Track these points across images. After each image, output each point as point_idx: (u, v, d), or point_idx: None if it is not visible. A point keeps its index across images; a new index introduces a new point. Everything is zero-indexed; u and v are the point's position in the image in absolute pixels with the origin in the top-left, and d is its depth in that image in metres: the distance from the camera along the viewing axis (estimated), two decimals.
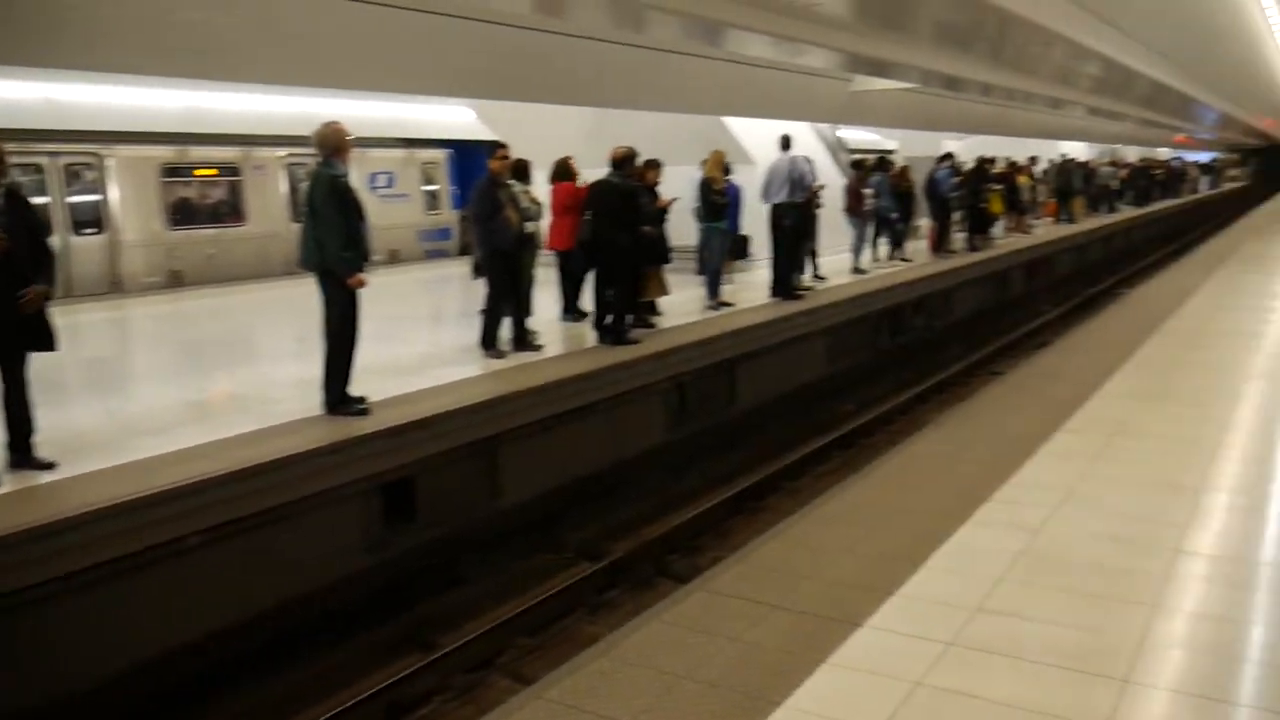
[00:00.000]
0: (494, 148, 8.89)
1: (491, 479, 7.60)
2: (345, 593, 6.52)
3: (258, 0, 6.94)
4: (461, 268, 12.28)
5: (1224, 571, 4.31)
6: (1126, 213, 28.29)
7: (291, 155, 15.00)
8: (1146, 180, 32.00)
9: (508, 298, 8.72)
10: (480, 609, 6.76)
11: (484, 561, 7.33)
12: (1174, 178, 36.79)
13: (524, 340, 8.84)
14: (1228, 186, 50.22)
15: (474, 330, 8.74)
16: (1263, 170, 59.62)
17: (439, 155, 17.96)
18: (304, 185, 14.82)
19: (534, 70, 10.06)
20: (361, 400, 6.78)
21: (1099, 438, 6.27)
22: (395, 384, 7.45)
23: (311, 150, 6.54)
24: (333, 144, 6.22)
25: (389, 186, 16.87)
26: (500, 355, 8.56)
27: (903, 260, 15.48)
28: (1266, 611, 3.96)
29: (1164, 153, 41.62)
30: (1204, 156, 49.69)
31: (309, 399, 6.75)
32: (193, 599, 5.60)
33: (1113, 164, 30.16)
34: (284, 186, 15.19)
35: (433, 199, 17.91)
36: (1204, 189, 43.27)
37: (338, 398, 6.62)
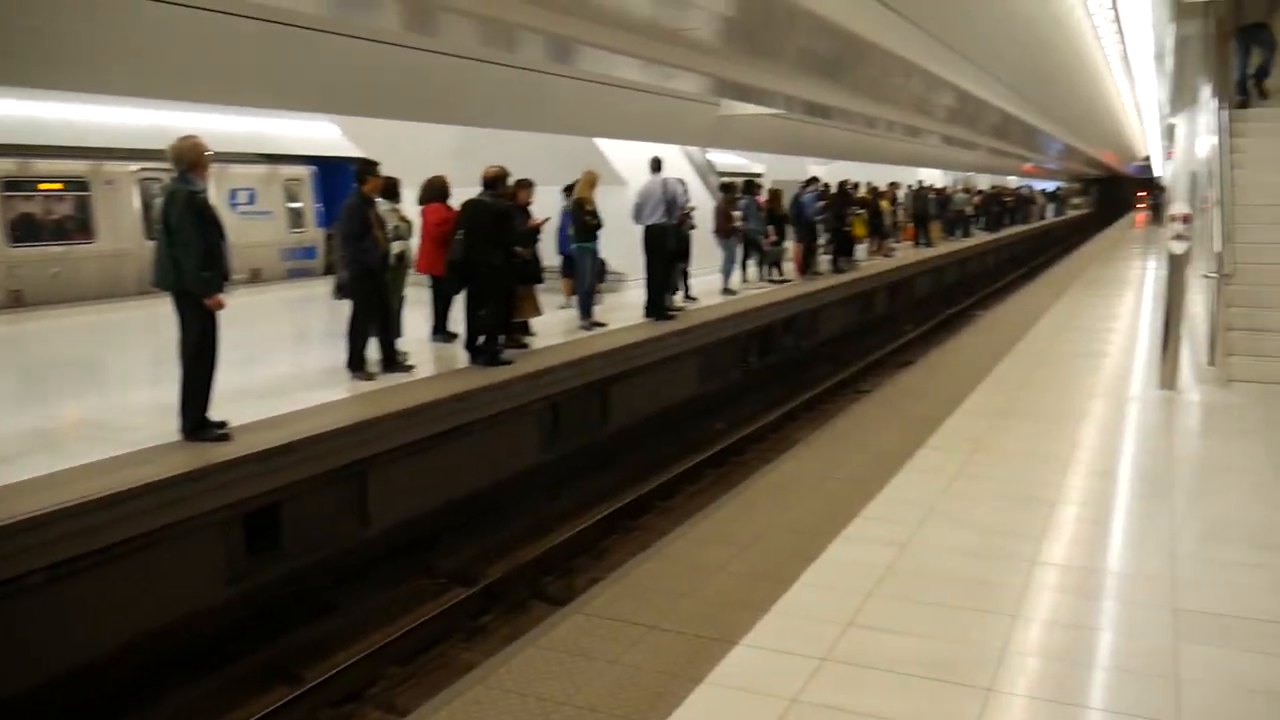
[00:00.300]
0: (363, 165, 8.71)
1: (360, 505, 7.42)
2: (206, 626, 6.24)
3: (109, 8, 6.61)
4: (326, 287, 11.95)
5: (1074, 581, 4.51)
6: (980, 237, 29.62)
7: (145, 170, 14.34)
8: (998, 207, 33.60)
9: (374, 318, 8.53)
10: (350, 638, 6.56)
11: (354, 590, 7.12)
12: (1022, 204, 38.76)
13: (393, 361, 8.66)
14: (1072, 214, 53.16)
15: (341, 352, 8.52)
16: (1102, 199, 63.41)
17: (303, 172, 17.49)
18: (158, 201, 14.30)
19: (401, 87, 9.89)
20: (222, 425, 6.52)
21: (959, 454, 6.51)
22: (259, 408, 7.20)
23: (167, 165, 6.27)
24: (190, 159, 5.98)
25: (250, 203, 16.31)
26: (369, 377, 8.36)
27: (777, 281, 15.81)
28: (1113, 618, 4.16)
29: (1013, 181, 43.76)
30: (1050, 185, 52.46)
31: (165, 425, 6.46)
32: (36, 641, 5.26)
33: (965, 190, 31.55)
34: (137, 202, 14.49)
35: (296, 217, 17.42)
36: (1050, 216, 45.68)
37: (196, 423, 6.35)
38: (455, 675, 6.07)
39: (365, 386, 8.15)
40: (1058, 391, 8.70)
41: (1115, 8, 16.45)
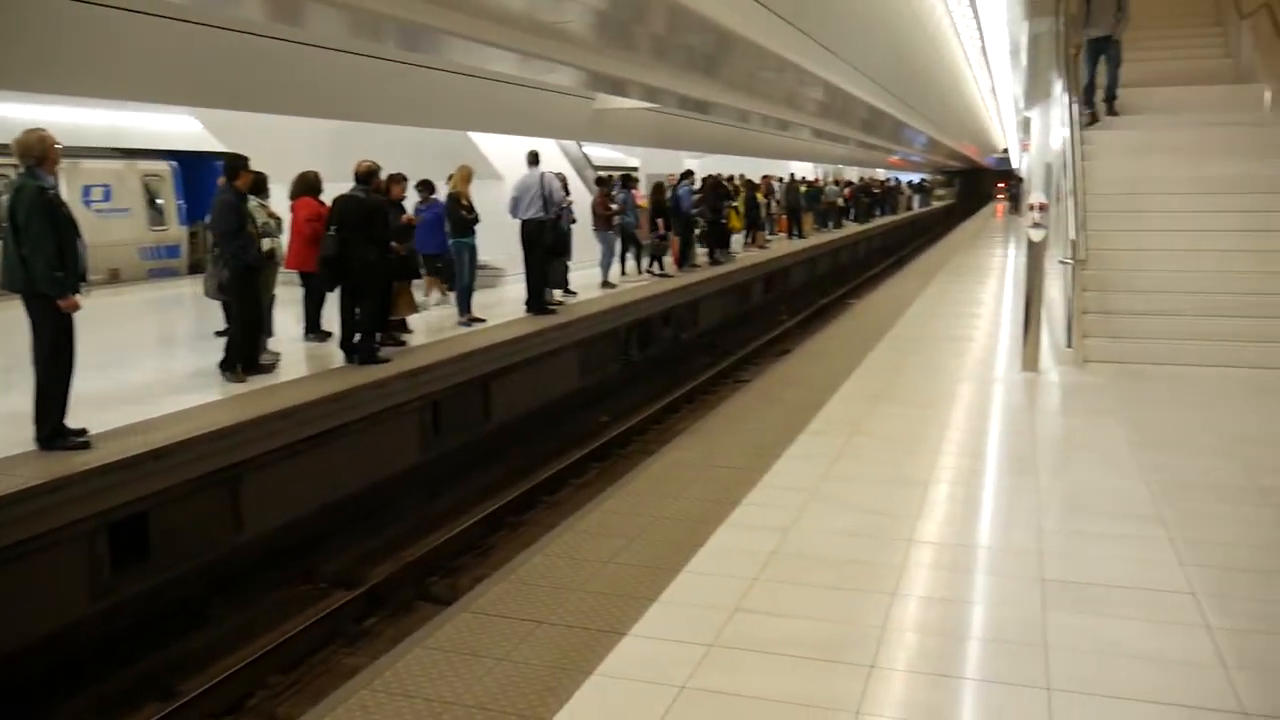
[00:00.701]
0: (233, 159, 8.40)
1: (234, 510, 7.17)
2: (71, 644, 5.94)
3: None
4: (192, 286, 11.46)
5: (949, 558, 4.68)
6: (851, 228, 30.41)
7: None
8: (868, 198, 34.54)
9: (256, 316, 8.29)
10: (227, 649, 6.34)
11: (230, 598, 6.89)
12: (890, 195, 39.98)
13: (254, 362, 8.41)
14: (936, 204, 55.05)
15: (205, 354, 8.22)
16: (965, 190, 65.87)
17: (163, 167, 16.76)
18: (3, 199, 13.42)
19: (266, 79, 9.57)
20: (81, 433, 6.21)
21: (838, 439, 6.68)
22: (123, 413, 6.89)
23: (9, 160, 5.92)
24: (38, 152, 5.64)
25: (106, 200, 15.54)
26: (241, 379, 8.09)
27: (658, 275, 15.90)
28: (984, 591, 4.33)
29: (880, 173, 45.05)
30: (915, 177, 54.20)
31: (20, 434, 6.11)
32: None
33: (836, 183, 32.34)
34: None
35: (157, 214, 16.71)
36: (917, 207, 47.21)
37: (52, 430, 6.02)
38: (340, 680, 5.94)
39: (237, 388, 7.88)
40: (928, 375, 9.02)
41: (974, 4, 17.09)
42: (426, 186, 11.93)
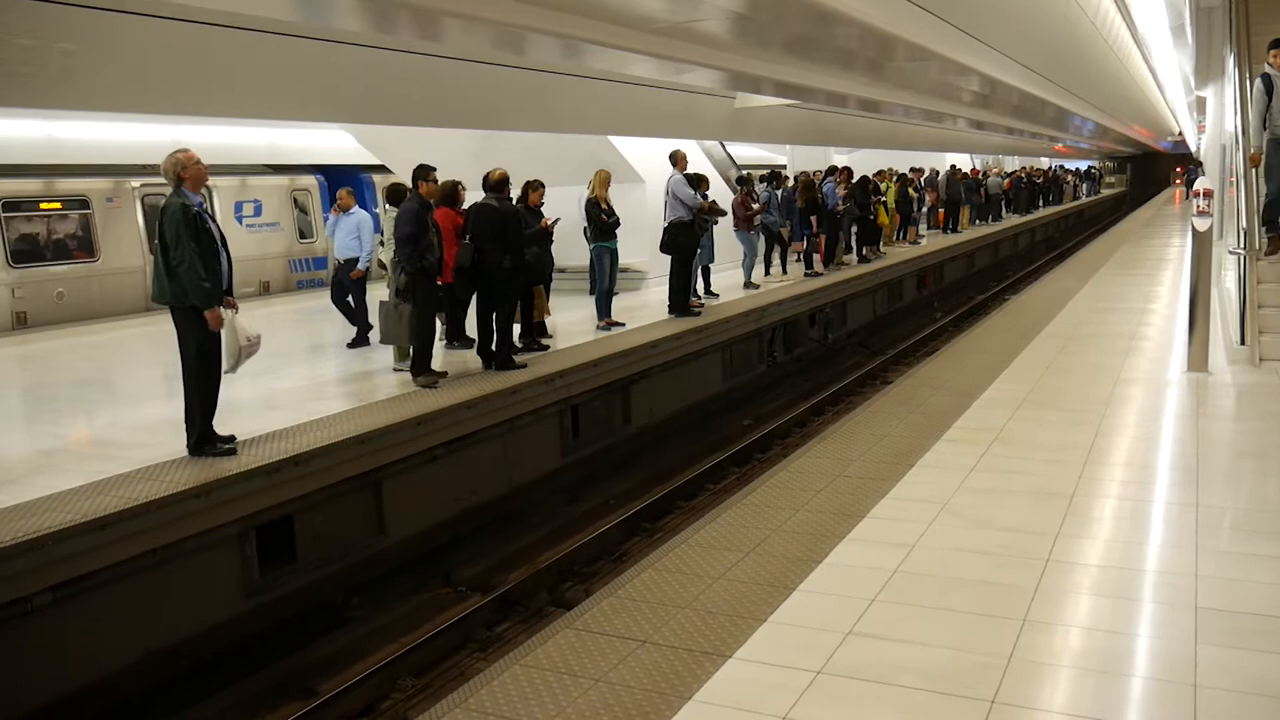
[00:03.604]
0: (420, 168, 8.62)
1: (377, 513, 7.38)
2: (222, 640, 6.22)
3: (103, 25, 6.59)
4: None
5: (1089, 581, 4.33)
6: (1011, 220, 29.15)
7: (147, 185, 14.12)
8: (1030, 188, 33.04)
9: (433, 320, 8.57)
10: (365, 651, 6.52)
11: (370, 600, 7.09)
12: (1053, 185, 38.16)
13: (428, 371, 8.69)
14: (1106, 192, 52.28)
15: (355, 361, 8.48)
16: (1137, 176, 62.32)
17: (310, 181, 17.26)
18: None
19: (414, 93, 9.86)
20: (230, 439, 6.49)
21: (976, 448, 6.33)
22: (272, 419, 7.19)
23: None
24: (178, 172, 5.93)
25: (256, 215, 16.21)
26: (434, 380, 8.37)
27: (810, 274, 15.60)
28: (1127, 620, 3.98)
29: (1044, 161, 43.08)
30: (1083, 165, 51.62)
31: (174, 441, 6.45)
32: (46, 659, 5.27)
33: (996, 173, 31.07)
34: (140, 219, 14.21)
35: (305, 227, 17.18)
36: (1085, 195, 44.94)
37: (201, 437, 6.32)
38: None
39: (380, 395, 8.11)
40: (1082, 377, 8.46)
41: None
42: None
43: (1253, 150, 8.68)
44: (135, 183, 14.15)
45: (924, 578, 4.37)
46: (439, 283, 8.79)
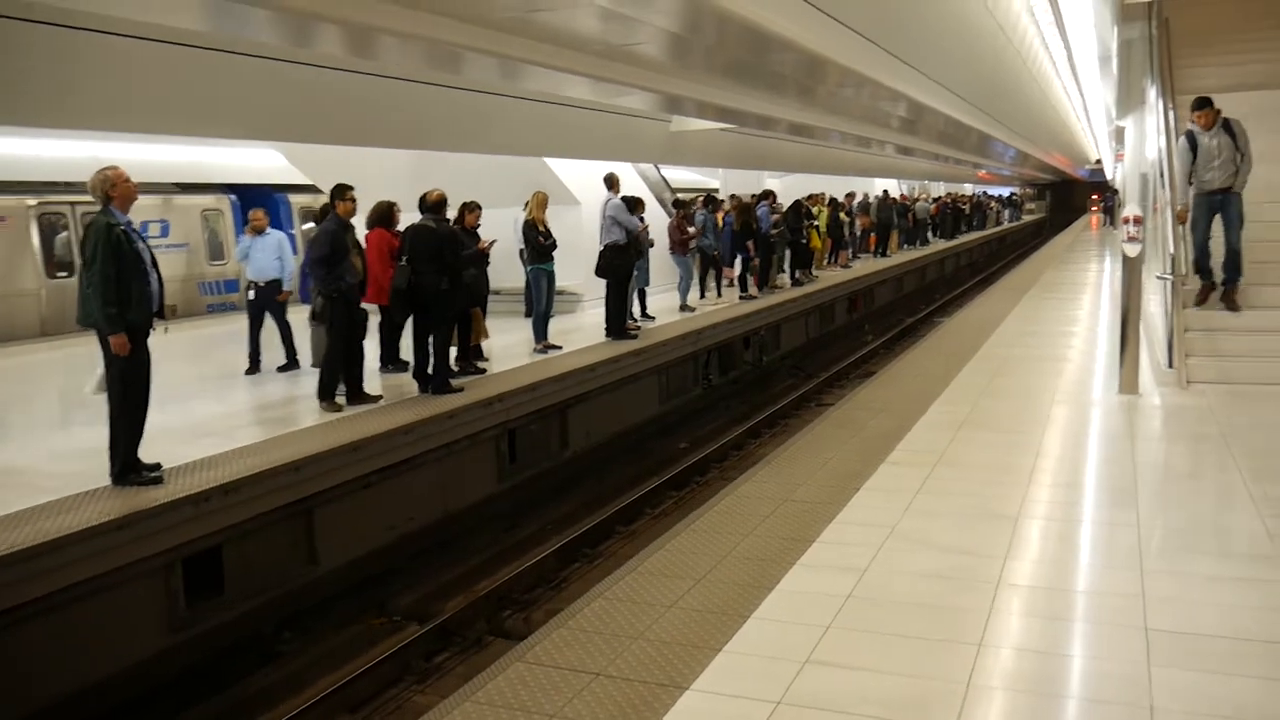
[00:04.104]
0: (337, 188, 8.46)
1: (309, 543, 7.15)
2: (146, 678, 5.94)
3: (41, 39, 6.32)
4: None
5: (1041, 603, 4.33)
6: (937, 245, 29.71)
7: (44, 204, 13.36)
8: (955, 213, 33.76)
9: (347, 346, 8.32)
10: (298, 685, 6.29)
11: (302, 632, 6.85)
12: (977, 211, 39.07)
13: (360, 392, 8.45)
14: (1027, 218, 53.67)
15: (278, 387, 8.25)
16: (1056, 203, 64.15)
17: (222, 201, 16.52)
18: (60, 237, 13.68)
19: (347, 112, 9.65)
20: (156, 467, 6.23)
21: (920, 470, 6.34)
22: (200, 447, 6.94)
23: (68, 198, 5.97)
24: (106, 189, 5.69)
25: (162, 235, 15.24)
26: (336, 408, 8.11)
27: (746, 297, 15.64)
28: (1082, 643, 3.98)
29: (968, 188, 44.06)
30: (1005, 191, 52.94)
31: (95, 471, 6.16)
32: None
33: (924, 199, 31.68)
34: (36, 238, 13.37)
35: (216, 249, 16.44)
36: (1007, 221, 46.08)
37: (125, 466, 6.05)
38: (408, 719, 5.86)
39: (310, 421, 7.88)
40: (1018, 399, 8.57)
41: (1058, 12, 16.53)
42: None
43: (1179, 207, 8.97)
44: (31, 200, 13.38)
45: (877, 603, 4.33)
46: (377, 305, 8.61)
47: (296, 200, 17.23)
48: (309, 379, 9.07)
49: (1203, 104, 8.94)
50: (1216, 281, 9.07)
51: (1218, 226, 8.98)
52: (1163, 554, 4.84)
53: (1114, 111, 20.17)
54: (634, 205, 11.80)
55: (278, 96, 8.78)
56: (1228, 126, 8.83)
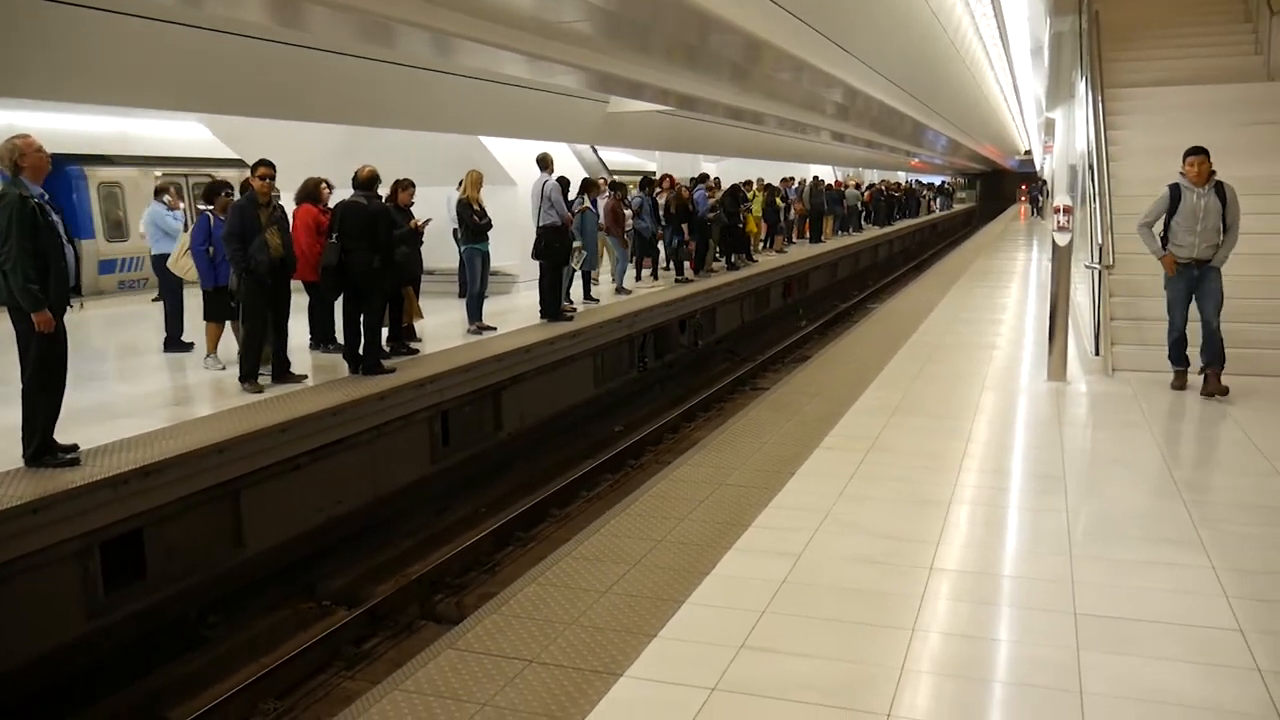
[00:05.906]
0: (256, 162, 8.21)
1: (235, 525, 6.97)
2: (62, 666, 5.74)
3: None
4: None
5: (971, 588, 4.38)
6: (870, 232, 30.03)
7: None
8: (888, 201, 34.14)
9: (266, 325, 8.11)
10: (222, 672, 6.13)
11: (227, 618, 6.68)
12: (910, 199, 39.58)
13: (286, 371, 8.24)
14: (958, 207, 54.55)
15: (188, 371, 8.01)
16: (987, 193, 65.36)
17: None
18: None
19: (273, 85, 9.40)
20: (73, 449, 6.01)
21: (854, 455, 6.38)
22: (119, 427, 6.72)
23: None
24: (15, 159, 5.43)
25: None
26: (258, 389, 7.90)
27: (681, 280, 15.62)
28: (1012, 627, 4.02)
29: (900, 176, 44.61)
30: (937, 180, 53.72)
31: (7, 451, 5.92)
32: None
33: (855, 186, 31.96)
34: None
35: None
36: (938, 210, 46.76)
37: (40, 447, 5.82)
38: (337, 706, 5.74)
39: (235, 402, 7.67)
40: (950, 385, 8.68)
41: (995, 3, 16.75)
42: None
43: (1164, 254, 7.98)
44: None
45: (812, 588, 4.34)
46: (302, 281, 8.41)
47: (97, 173, 15.57)
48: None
49: (1195, 152, 7.86)
50: (1190, 368, 8.12)
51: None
52: (1090, 539, 4.92)
53: (1044, 103, 20.54)
54: (589, 186, 11.74)
55: (202, 66, 8.50)
56: (1220, 190, 7.80)
